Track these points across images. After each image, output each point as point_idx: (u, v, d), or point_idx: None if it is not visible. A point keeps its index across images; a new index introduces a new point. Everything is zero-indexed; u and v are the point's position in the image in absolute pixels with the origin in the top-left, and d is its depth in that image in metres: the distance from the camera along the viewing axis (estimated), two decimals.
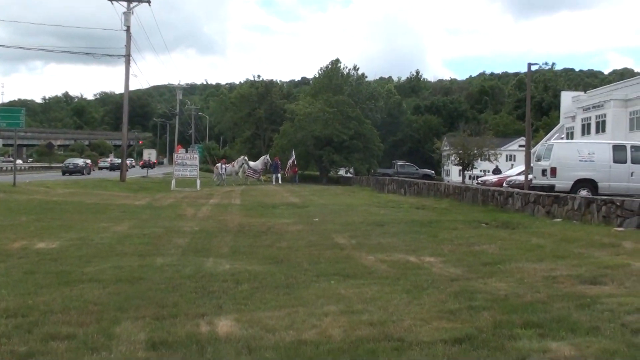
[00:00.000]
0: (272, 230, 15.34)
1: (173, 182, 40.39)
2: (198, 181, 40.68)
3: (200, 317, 6.76)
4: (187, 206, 24.01)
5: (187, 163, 41.36)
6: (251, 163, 53.81)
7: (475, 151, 69.82)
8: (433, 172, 76.39)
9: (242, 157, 56.70)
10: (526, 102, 39.13)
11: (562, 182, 23.57)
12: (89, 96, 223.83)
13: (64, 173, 60.18)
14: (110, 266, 9.93)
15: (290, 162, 57.54)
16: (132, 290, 8.12)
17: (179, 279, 8.83)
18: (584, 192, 22.53)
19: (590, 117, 55.75)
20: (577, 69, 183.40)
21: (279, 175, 53.01)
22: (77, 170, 61.75)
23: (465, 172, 72.39)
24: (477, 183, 36.66)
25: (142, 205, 24.19)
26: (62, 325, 6.37)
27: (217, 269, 9.76)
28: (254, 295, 7.87)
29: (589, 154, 24.16)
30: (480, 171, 71.91)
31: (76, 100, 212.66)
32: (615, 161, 23.91)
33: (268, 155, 56.61)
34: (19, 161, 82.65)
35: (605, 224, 15.48)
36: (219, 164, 54.96)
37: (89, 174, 61.89)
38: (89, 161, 72.38)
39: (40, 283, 8.55)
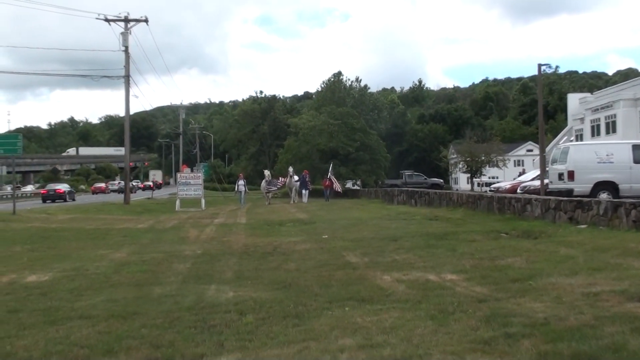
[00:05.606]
0: (278, 251, 14.44)
1: (177, 202, 39.63)
2: (203, 200, 39.88)
3: (198, 359, 5.97)
4: (190, 227, 23.18)
5: (190, 182, 40.59)
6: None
7: (483, 158, 69.18)
8: (442, 180, 75.55)
9: (291, 168, 50.06)
10: (538, 103, 38.20)
11: (581, 186, 22.54)
12: (94, 120, 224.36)
13: (118, 192, 75.62)
14: (103, 299, 9.09)
15: (330, 174, 52.58)
16: (125, 327, 7.27)
17: (177, 312, 7.99)
18: (604, 195, 21.56)
19: (599, 118, 55.04)
20: (580, 72, 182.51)
21: (307, 192, 46.76)
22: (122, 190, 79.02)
23: (474, 179, 71.66)
24: (490, 190, 35.70)
25: (144, 229, 23.34)
26: None
27: (219, 297, 8.94)
28: (259, 328, 7.01)
29: (607, 155, 23.11)
30: (490, 177, 71.11)
31: (81, 124, 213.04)
32: (635, 161, 22.73)
33: (291, 168, 49.67)
34: (26, 188, 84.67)
35: (637, 229, 14.28)
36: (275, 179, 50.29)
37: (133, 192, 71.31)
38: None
39: (24, 323, 7.72)
